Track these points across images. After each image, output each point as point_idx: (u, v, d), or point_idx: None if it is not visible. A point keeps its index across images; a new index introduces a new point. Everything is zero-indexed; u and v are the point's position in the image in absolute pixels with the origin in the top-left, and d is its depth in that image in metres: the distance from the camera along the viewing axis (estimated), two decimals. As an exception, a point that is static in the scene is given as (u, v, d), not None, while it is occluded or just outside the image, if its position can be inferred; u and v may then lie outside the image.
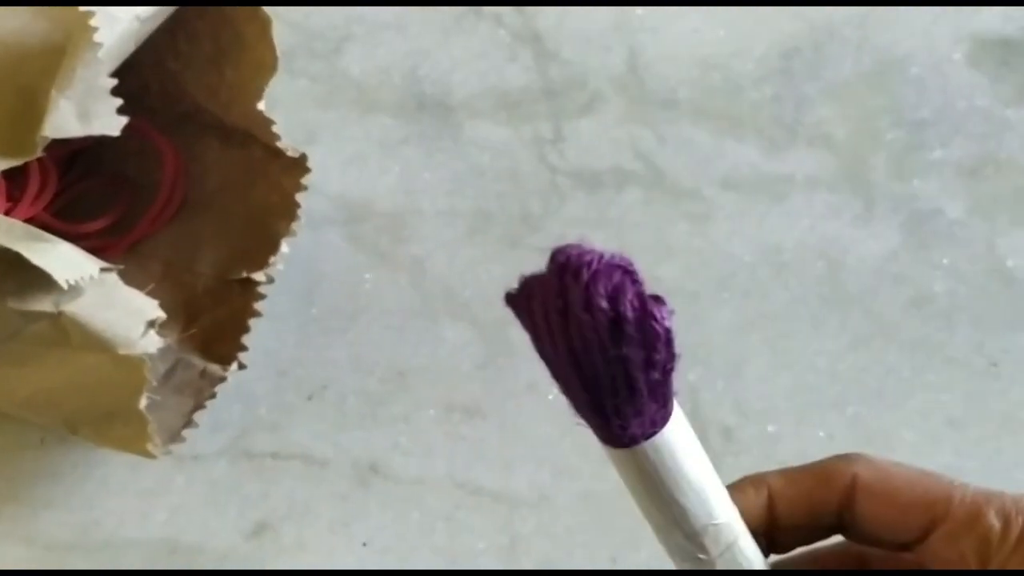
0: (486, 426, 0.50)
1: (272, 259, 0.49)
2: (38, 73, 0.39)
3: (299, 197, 0.49)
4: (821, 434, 0.51)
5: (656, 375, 0.25)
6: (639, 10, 0.60)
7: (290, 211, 0.49)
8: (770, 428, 0.50)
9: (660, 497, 0.27)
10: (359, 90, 0.58)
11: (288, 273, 0.51)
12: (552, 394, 0.51)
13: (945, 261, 0.55)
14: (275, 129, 0.48)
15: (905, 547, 0.29)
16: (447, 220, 0.55)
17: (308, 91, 0.58)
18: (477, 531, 0.49)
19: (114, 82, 0.39)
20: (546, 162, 0.56)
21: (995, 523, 0.27)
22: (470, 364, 0.52)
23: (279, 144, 0.49)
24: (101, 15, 0.39)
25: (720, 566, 0.28)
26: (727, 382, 0.51)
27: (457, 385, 0.51)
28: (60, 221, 0.50)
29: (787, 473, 0.30)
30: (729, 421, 0.51)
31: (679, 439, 0.26)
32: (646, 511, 0.28)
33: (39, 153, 0.39)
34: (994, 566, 0.27)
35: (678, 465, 0.26)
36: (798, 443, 0.50)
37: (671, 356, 0.25)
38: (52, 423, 0.48)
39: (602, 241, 0.54)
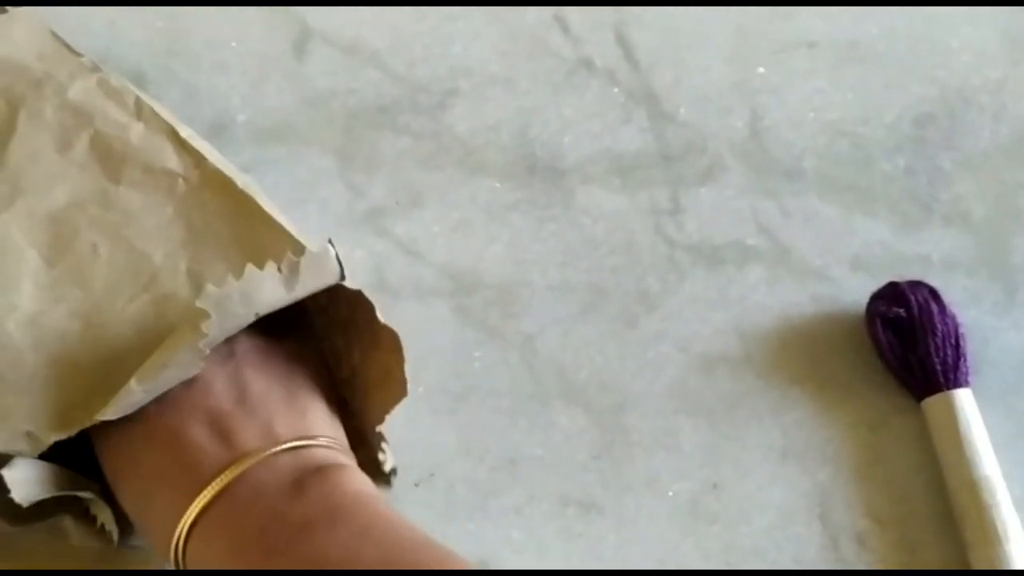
0: (603, 522, 0.48)
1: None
2: (130, 351, 0.39)
3: (404, 272, 0.46)
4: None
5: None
6: (761, 69, 0.57)
7: None
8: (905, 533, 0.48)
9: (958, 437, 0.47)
10: (465, 149, 0.55)
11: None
12: (672, 490, 0.48)
13: (1091, 354, 0.51)
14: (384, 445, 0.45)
15: None
16: (559, 295, 0.52)
17: (412, 149, 0.55)
18: (591, 633, 0.46)
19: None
20: (663, 234, 0.53)
21: None
22: (585, 453, 0.49)
23: (380, 456, 0.46)
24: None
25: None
26: (860, 484, 0.48)
27: (571, 476, 0.48)
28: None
29: None
30: (861, 525, 0.48)
31: (972, 401, 0.48)
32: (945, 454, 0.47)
33: (74, 431, 0.37)
34: None
35: (975, 415, 0.47)
36: (940, 551, 0.47)
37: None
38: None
39: (722, 323, 0.52)
